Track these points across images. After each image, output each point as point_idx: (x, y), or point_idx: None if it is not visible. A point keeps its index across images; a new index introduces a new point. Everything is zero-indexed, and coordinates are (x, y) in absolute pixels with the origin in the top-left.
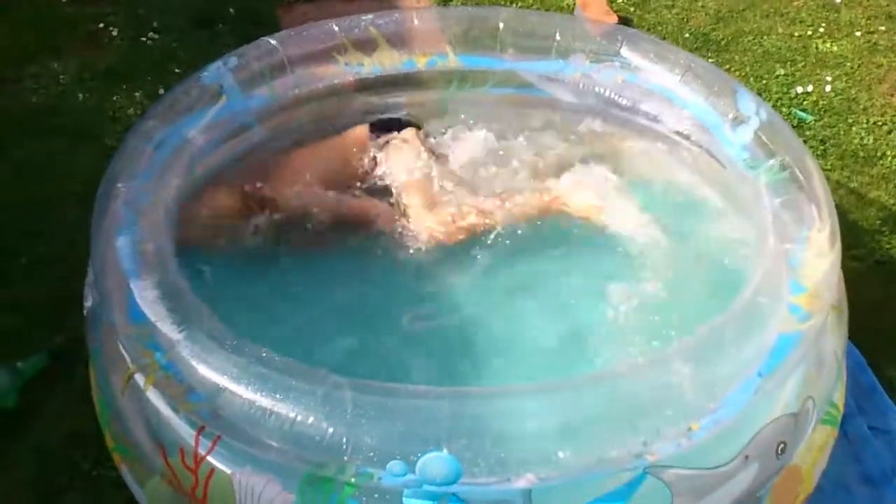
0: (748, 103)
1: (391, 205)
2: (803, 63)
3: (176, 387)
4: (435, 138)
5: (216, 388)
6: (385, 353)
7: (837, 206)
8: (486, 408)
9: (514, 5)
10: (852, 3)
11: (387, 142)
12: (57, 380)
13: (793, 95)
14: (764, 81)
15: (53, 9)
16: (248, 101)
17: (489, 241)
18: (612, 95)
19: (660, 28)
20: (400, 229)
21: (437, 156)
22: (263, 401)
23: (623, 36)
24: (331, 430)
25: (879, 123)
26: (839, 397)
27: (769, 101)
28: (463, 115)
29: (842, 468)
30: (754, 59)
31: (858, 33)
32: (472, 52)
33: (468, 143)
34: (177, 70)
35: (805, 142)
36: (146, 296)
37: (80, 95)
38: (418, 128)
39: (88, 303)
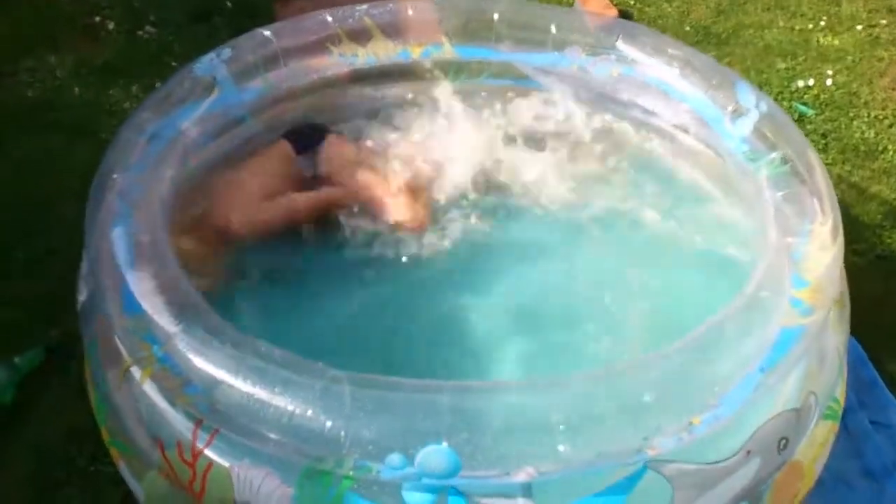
0: (748, 96)
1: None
2: (804, 57)
3: (173, 379)
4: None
5: (214, 380)
6: (383, 350)
7: (839, 201)
8: (485, 401)
9: None
10: None
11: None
12: (53, 375)
13: (794, 89)
14: (765, 75)
15: (50, 2)
16: (242, 94)
17: (485, 235)
18: (608, 89)
19: (660, 21)
20: (370, 223)
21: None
22: (262, 394)
23: (620, 29)
24: (329, 423)
25: (881, 117)
26: (841, 392)
27: (770, 94)
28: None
29: (843, 462)
30: (755, 53)
31: (860, 27)
32: (468, 42)
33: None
34: (173, 64)
35: (806, 136)
36: (142, 288)
37: (77, 90)
38: (327, 131)
39: (82, 296)
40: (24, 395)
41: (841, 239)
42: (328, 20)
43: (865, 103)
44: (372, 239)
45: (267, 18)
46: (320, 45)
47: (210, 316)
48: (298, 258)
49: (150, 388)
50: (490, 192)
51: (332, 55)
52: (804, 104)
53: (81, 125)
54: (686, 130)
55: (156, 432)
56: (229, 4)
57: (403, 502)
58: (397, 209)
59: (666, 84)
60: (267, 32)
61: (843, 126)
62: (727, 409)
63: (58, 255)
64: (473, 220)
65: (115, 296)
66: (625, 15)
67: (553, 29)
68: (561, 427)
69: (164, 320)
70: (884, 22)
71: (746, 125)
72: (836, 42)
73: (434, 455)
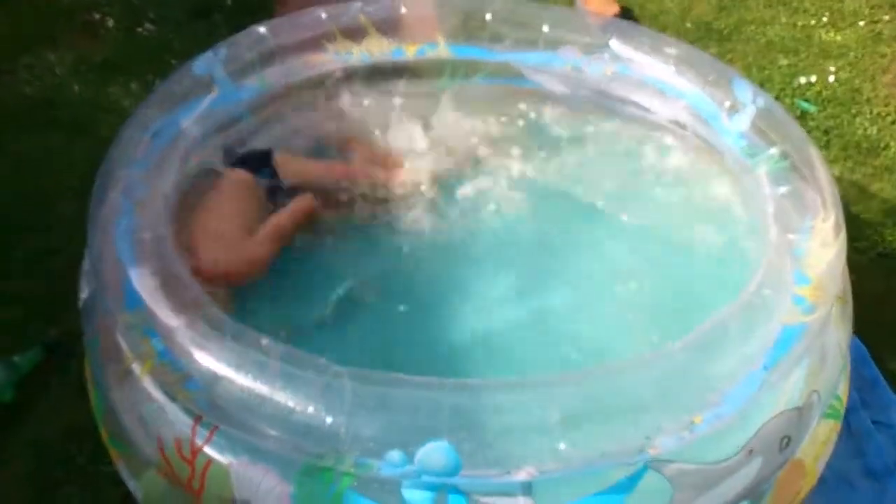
0: (744, 92)
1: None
2: (806, 53)
3: (173, 375)
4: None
5: (214, 376)
6: (381, 347)
7: (840, 198)
8: (486, 399)
9: None
10: None
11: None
12: (52, 374)
13: (796, 86)
14: (767, 72)
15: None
16: (239, 92)
17: (492, 228)
18: (603, 87)
19: (662, 18)
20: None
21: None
22: (262, 389)
23: (615, 27)
24: (329, 419)
25: (883, 114)
26: (843, 390)
27: (772, 91)
28: None
29: (844, 462)
30: (757, 49)
31: (862, 23)
32: (463, 41)
33: None
34: (173, 61)
35: (808, 132)
36: (143, 283)
37: (76, 87)
38: (271, 151)
39: (84, 294)
40: (23, 394)
41: (843, 235)
42: (323, 17)
43: (868, 100)
44: (361, 231)
45: (266, 15)
46: (316, 43)
47: (212, 311)
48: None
49: (149, 384)
50: (485, 186)
51: (327, 52)
52: (806, 101)
53: (81, 123)
54: (683, 127)
55: (155, 430)
56: (228, 2)
57: (403, 500)
58: (373, 169)
59: (661, 81)
60: (263, 29)
61: (845, 123)
62: (729, 408)
63: (57, 254)
64: (465, 212)
65: (117, 292)
66: (626, 12)
67: (546, 28)
68: (561, 426)
69: (164, 315)
70: (886, 18)
71: (744, 121)
72: (839, 38)
73: (434, 453)
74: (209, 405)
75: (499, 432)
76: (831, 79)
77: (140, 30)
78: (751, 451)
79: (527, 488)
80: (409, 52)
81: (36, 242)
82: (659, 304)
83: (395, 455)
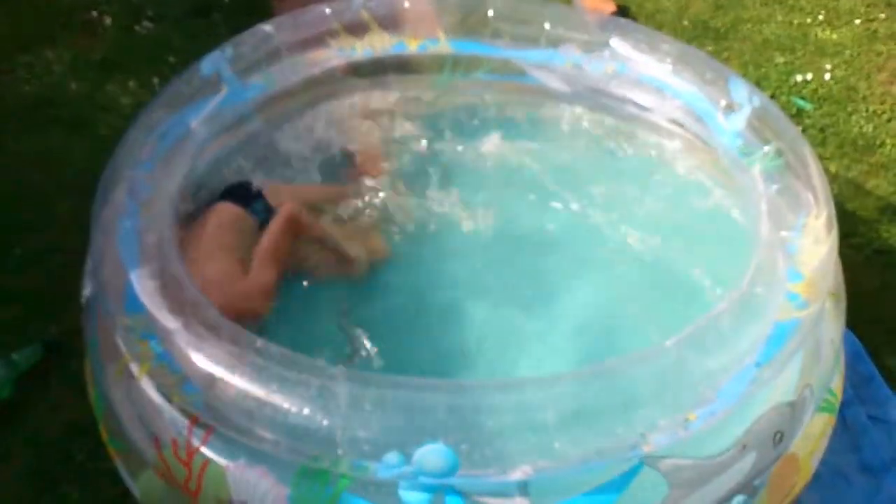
0: (740, 91)
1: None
2: (803, 51)
3: (170, 377)
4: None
5: (210, 378)
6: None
7: (836, 195)
8: (482, 400)
9: None
10: None
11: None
12: (51, 371)
13: (792, 84)
14: (763, 69)
15: None
16: (247, 91)
17: (482, 233)
18: (602, 85)
19: (659, 16)
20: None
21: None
22: (258, 392)
23: (614, 25)
24: (326, 421)
25: (879, 112)
26: (837, 384)
27: (768, 89)
28: None
29: (840, 457)
30: (753, 47)
31: (858, 21)
32: (464, 37)
33: None
34: (171, 59)
35: (804, 130)
36: (143, 285)
37: (74, 85)
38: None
39: (86, 293)
40: (22, 392)
41: (835, 232)
42: (327, 14)
43: (864, 98)
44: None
45: (264, 13)
46: (320, 40)
47: (210, 313)
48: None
49: (147, 386)
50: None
51: (330, 49)
52: (802, 99)
53: (79, 121)
54: (680, 125)
55: (152, 430)
56: None
57: (400, 501)
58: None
59: (659, 80)
60: (268, 28)
61: (841, 121)
62: (723, 404)
63: (56, 252)
64: (461, 212)
65: (117, 293)
66: (623, 10)
67: (547, 25)
68: (557, 424)
69: (163, 317)
70: (882, 16)
71: (739, 120)
72: (835, 36)
73: (431, 454)
74: (206, 407)
75: (495, 432)
76: (827, 77)
77: (138, 28)
78: (744, 446)
79: (523, 487)
80: (411, 47)
81: (35, 240)
82: (652, 301)
83: (391, 456)
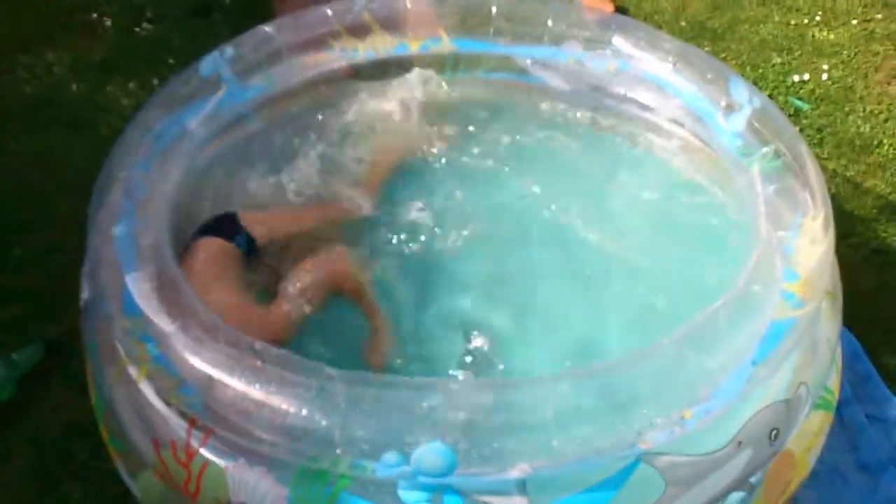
0: (741, 91)
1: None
2: (800, 51)
3: (168, 379)
4: None
5: (208, 380)
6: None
7: (834, 195)
8: (480, 399)
9: None
10: None
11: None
12: (52, 371)
13: (789, 84)
14: (760, 70)
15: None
16: (246, 91)
17: (475, 235)
18: (604, 83)
19: (656, 17)
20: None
21: None
22: (256, 393)
23: (616, 24)
24: (324, 422)
25: (876, 112)
26: (833, 382)
27: (765, 89)
28: None
29: (838, 456)
30: (750, 48)
31: (855, 21)
32: (466, 36)
33: None
34: (171, 60)
35: (801, 130)
36: (140, 288)
37: (75, 86)
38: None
39: (84, 295)
40: (23, 392)
41: (832, 232)
42: (328, 15)
43: (861, 98)
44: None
45: (265, 14)
46: (321, 41)
47: (206, 316)
48: None
49: (145, 388)
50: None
51: (332, 50)
52: (800, 99)
53: (79, 121)
54: (680, 125)
55: (151, 432)
56: (227, 1)
57: (399, 501)
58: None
59: (660, 79)
60: (269, 29)
61: (838, 121)
62: (719, 402)
63: (56, 252)
64: (452, 214)
65: (115, 295)
66: (621, 10)
67: (550, 23)
68: (554, 423)
69: (160, 320)
70: (879, 16)
71: (739, 120)
72: (832, 37)
73: (429, 453)
74: (204, 409)
75: (492, 431)
76: (824, 77)
77: (138, 29)
78: (740, 443)
79: (521, 486)
80: (413, 48)
81: (35, 240)
82: (649, 300)
83: (390, 456)
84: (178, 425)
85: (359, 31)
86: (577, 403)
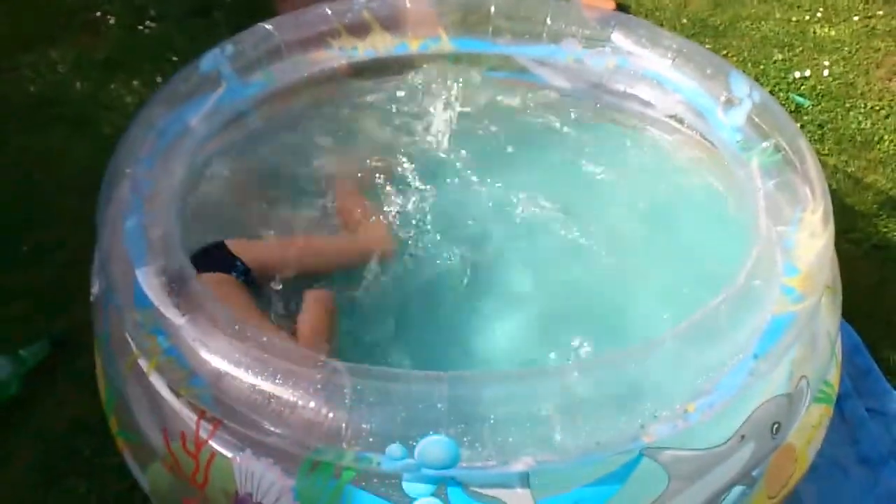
0: (741, 86)
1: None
2: (801, 48)
3: (178, 371)
4: None
5: (217, 373)
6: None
7: (835, 191)
8: (484, 391)
9: None
10: None
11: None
12: (58, 367)
13: (790, 80)
14: (762, 66)
15: None
16: (246, 88)
17: (479, 224)
18: (604, 80)
19: (658, 14)
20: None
21: None
22: (264, 386)
23: (615, 21)
24: (330, 414)
25: (877, 108)
26: (834, 376)
27: (767, 86)
28: None
29: (838, 449)
30: (752, 45)
31: (856, 18)
32: (465, 35)
33: None
34: (174, 58)
35: (802, 126)
36: (151, 281)
37: (78, 84)
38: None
39: (95, 289)
40: (29, 388)
41: (832, 226)
42: (328, 14)
43: (862, 94)
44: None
45: (267, 12)
46: (321, 40)
47: (216, 308)
48: None
49: (156, 380)
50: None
51: (332, 49)
52: (801, 95)
53: (83, 119)
54: (680, 121)
55: (161, 423)
56: None
57: (404, 493)
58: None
59: (660, 75)
60: (269, 27)
61: (839, 117)
62: (721, 396)
63: (62, 248)
64: (456, 202)
65: (126, 289)
66: (622, 7)
67: (549, 21)
68: (558, 416)
69: (170, 313)
70: (880, 13)
71: (739, 115)
72: (833, 33)
73: (434, 446)
74: (213, 401)
75: (496, 424)
76: (825, 73)
77: (141, 27)
78: (743, 437)
79: (524, 479)
80: (413, 48)
81: (40, 237)
82: (650, 296)
83: (395, 448)
84: (187, 417)
85: (359, 29)
86: (581, 397)
